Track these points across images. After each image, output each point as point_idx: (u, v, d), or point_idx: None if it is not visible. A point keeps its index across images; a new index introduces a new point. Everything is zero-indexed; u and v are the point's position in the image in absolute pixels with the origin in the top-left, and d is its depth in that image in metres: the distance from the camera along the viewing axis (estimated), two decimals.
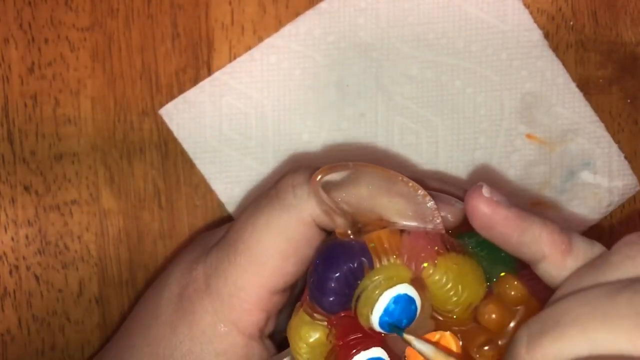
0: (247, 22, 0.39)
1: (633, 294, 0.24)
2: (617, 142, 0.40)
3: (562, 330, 0.24)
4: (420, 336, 0.30)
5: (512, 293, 0.31)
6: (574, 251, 0.28)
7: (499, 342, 0.30)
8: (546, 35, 0.39)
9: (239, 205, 0.40)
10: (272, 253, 0.32)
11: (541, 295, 0.30)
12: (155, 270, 0.40)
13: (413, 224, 0.31)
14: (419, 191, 0.31)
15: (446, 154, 0.39)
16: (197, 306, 0.33)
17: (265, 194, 0.34)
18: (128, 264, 0.40)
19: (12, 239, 0.39)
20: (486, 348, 0.30)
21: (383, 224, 0.31)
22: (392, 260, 0.30)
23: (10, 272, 0.39)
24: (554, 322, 0.25)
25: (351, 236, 0.31)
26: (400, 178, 0.31)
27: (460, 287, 0.30)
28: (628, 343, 0.23)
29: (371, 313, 0.29)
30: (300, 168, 0.33)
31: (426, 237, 0.31)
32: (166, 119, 0.39)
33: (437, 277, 0.30)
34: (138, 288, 0.40)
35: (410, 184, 0.31)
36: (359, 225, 0.31)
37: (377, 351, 0.30)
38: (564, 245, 0.28)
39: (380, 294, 0.29)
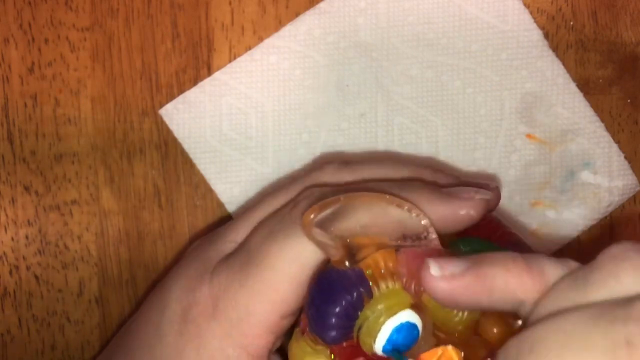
0: (247, 22, 0.39)
1: (609, 324, 0.22)
2: (617, 142, 0.40)
3: (536, 359, 0.24)
4: (422, 353, 0.30)
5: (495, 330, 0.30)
6: (549, 283, 0.26)
7: None
8: (546, 35, 0.39)
9: (239, 205, 0.40)
10: (285, 279, 0.32)
11: None
12: (155, 271, 0.40)
13: (407, 244, 0.31)
14: (413, 212, 0.30)
15: (446, 154, 0.39)
16: (204, 330, 0.33)
17: (279, 215, 0.33)
18: (128, 264, 0.40)
19: (12, 239, 0.39)
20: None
21: (378, 246, 0.31)
22: (390, 286, 0.30)
23: (10, 272, 0.39)
24: (529, 349, 0.24)
25: (347, 264, 0.30)
26: (394, 203, 0.30)
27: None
28: None
29: (374, 342, 0.29)
30: (315, 190, 0.33)
31: (423, 255, 0.30)
32: (166, 119, 0.39)
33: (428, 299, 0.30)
34: (138, 288, 0.40)
35: (405, 207, 0.30)
36: (353, 251, 0.31)
37: None
38: (537, 284, 0.26)
39: (383, 324, 0.29)
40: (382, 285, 0.30)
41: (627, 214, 0.40)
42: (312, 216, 0.30)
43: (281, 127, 0.39)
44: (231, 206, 0.40)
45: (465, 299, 0.27)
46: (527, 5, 0.39)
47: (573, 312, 0.24)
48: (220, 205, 0.40)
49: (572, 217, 0.40)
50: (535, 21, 0.39)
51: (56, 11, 0.39)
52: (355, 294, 0.30)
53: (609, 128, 0.40)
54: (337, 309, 0.30)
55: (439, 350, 0.30)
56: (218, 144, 0.39)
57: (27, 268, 0.39)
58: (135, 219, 0.40)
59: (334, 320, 0.30)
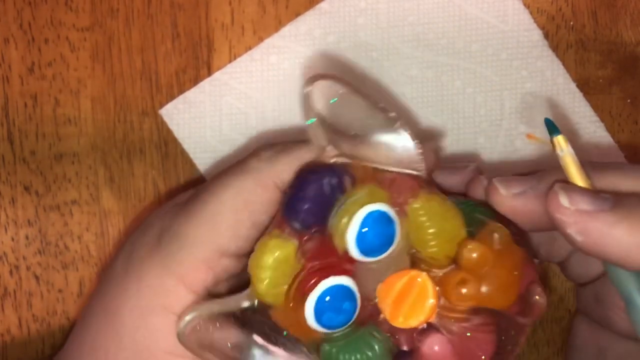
0: (247, 22, 0.39)
1: None
2: (617, 142, 0.40)
3: None
4: (394, 272, 0.30)
5: (496, 235, 0.30)
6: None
7: (481, 288, 0.30)
8: (546, 35, 0.39)
9: None
10: (227, 211, 0.32)
11: (521, 243, 0.31)
12: None
13: (397, 169, 0.31)
14: (382, 108, 0.31)
15: (446, 154, 0.39)
16: (146, 263, 0.33)
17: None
18: None
19: (12, 239, 0.39)
20: (464, 290, 0.30)
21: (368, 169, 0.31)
22: (374, 187, 0.30)
23: (10, 272, 0.39)
24: None
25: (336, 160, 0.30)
26: (384, 110, 0.31)
27: (440, 223, 0.30)
28: None
29: (348, 228, 0.29)
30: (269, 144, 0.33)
31: (410, 177, 0.31)
32: (166, 119, 0.39)
33: (417, 206, 0.30)
34: None
35: (391, 115, 0.31)
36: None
37: (346, 280, 0.29)
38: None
39: (359, 208, 0.29)
40: (367, 185, 0.30)
41: None
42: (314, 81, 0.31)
43: (281, 127, 0.39)
44: None
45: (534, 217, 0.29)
46: (527, 5, 0.39)
47: None
48: None
49: None
50: (535, 21, 0.39)
51: (56, 11, 0.39)
52: (336, 178, 0.30)
53: (609, 128, 0.40)
54: (317, 182, 0.30)
55: (411, 273, 0.30)
56: (218, 144, 0.39)
57: (27, 268, 0.39)
58: (135, 218, 0.40)
59: (311, 192, 0.29)
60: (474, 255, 0.30)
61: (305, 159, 0.32)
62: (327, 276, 0.29)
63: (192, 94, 0.39)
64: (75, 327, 0.36)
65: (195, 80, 0.39)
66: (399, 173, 0.31)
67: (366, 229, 0.29)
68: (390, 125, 0.31)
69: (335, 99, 0.30)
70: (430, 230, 0.30)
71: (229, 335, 0.32)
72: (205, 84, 0.39)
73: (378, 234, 0.29)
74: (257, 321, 0.31)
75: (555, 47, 0.39)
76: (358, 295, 0.30)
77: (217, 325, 0.32)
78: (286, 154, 0.32)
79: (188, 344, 0.31)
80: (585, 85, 0.40)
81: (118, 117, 0.39)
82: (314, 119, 0.31)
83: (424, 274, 0.30)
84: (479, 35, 0.39)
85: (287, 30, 0.39)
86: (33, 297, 0.39)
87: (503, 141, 0.40)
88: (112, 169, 0.39)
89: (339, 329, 0.30)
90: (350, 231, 0.29)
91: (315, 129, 0.31)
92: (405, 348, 0.31)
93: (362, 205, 0.29)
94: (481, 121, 0.39)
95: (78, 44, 0.39)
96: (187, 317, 0.31)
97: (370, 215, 0.29)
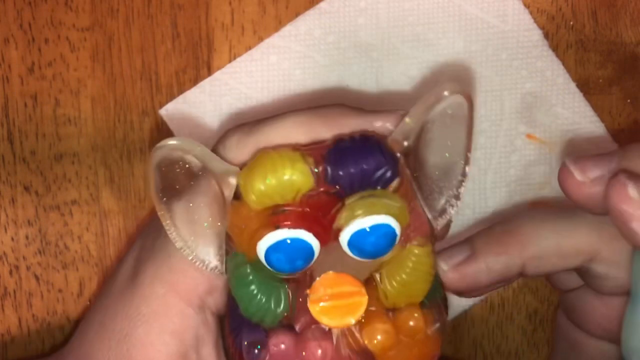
0: (247, 22, 0.39)
1: None
2: (617, 142, 0.40)
3: None
4: (351, 274, 0.29)
5: (411, 324, 0.31)
6: None
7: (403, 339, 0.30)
8: (546, 35, 0.39)
9: None
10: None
11: (440, 330, 0.31)
12: None
13: (425, 209, 0.31)
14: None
15: None
16: (142, 269, 0.32)
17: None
18: None
19: (12, 239, 0.39)
20: (375, 341, 0.30)
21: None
22: (405, 207, 0.29)
23: (10, 272, 0.39)
24: None
25: (400, 156, 0.30)
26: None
27: (416, 277, 0.30)
28: None
29: (359, 219, 0.28)
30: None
31: (428, 224, 0.31)
32: (166, 119, 0.39)
33: (417, 251, 0.30)
34: None
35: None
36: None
37: (316, 245, 0.29)
38: None
39: (382, 212, 0.28)
40: (400, 199, 0.29)
41: None
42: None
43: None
44: None
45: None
46: (527, 5, 0.39)
47: None
48: None
49: None
50: (535, 21, 0.39)
51: (56, 11, 0.39)
52: (390, 173, 0.29)
53: (609, 128, 0.40)
54: (372, 162, 0.29)
55: (362, 289, 0.29)
56: None
57: (27, 268, 0.39)
58: (135, 219, 0.40)
59: (360, 165, 0.29)
60: (378, 337, 0.30)
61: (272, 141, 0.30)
62: (305, 228, 0.28)
63: (192, 94, 0.39)
64: (74, 334, 0.36)
65: (195, 80, 0.39)
66: (424, 212, 0.31)
67: (370, 232, 0.29)
68: (453, 190, 0.31)
69: (448, 112, 0.30)
70: (404, 276, 0.30)
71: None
72: (205, 84, 0.39)
73: (374, 244, 0.29)
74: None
75: (555, 47, 0.39)
76: (313, 264, 0.29)
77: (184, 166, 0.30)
78: (253, 135, 0.31)
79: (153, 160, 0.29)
80: (585, 85, 0.40)
81: (118, 117, 0.39)
82: (411, 120, 0.30)
83: (366, 299, 0.30)
84: (479, 35, 0.39)
85: (287, 30, 0.39)
86: (33, 297, 0.39)
87: (503, 141, 0.40)
88: (112, 169, 0.39)
89: (275, 272, 0.29)
90: (358, 222, 0.28)
91: (408, 125, 0.30)
92: (296, 327, 0.30)
93: (386, 213, 0.29)
94: (481, 121, 0.39)
95: (78, 44, 0.39)
96: (171, 142, 0.29)
97: (383, 226, 0.29)
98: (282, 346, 0.30)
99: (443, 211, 0.31)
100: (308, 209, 0.29)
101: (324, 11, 0.39)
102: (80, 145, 0.39)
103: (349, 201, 0.29)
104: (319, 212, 0.29)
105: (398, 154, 0.30)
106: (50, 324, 0.40)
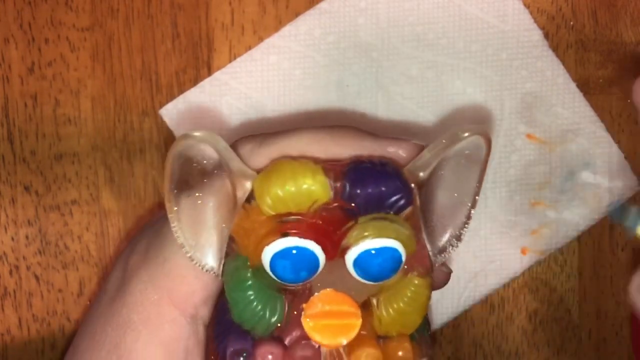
0: (247, 22, 0.39)
1: None
2: (617, 142, 0.40)
3: None
4: (350, 295, 0.29)
5: (400, 354, 0.31)
6: None
7: None
8: (546, 35, 0.39)
9: None
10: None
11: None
12: None
13: (428, 245, 0.32)
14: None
15: None
16: (134, 275, 0.32)
17: None
18: None
19: (12, 239, 0.39)
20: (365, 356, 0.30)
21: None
22: (412, 235, 0.30)
23: (10, 272, 0.39)
24: None
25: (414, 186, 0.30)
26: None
27: (412, 308, 0.31)
28: None
29: (368, 239, 0.28)
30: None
31: (430, 257, 0.31)
32: (166, 119, 0.39)
33: (416, 282, 0.30)
34: None
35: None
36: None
37: (322, 258, 0.29)
38: None
39: (392, 236, 0.29)
40: (409, 226, 0.30)
41: None
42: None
43: (281, 128, 0.39)
44: None
45: None
46: (527, 5, 0.39)
47: None
48: None
49: (572, 217, 0.40)
50: (535, 21, 0.39)
51: (56, 11, 0.39)
52: (404, 201, 0.29)
53: (609, 128, 0.40)
54: (390, 186, 0.29)
55: (358, 312, 0.29)
56: None
57: (27, 268, 0.39)
58: (135, 219, 0.40)
59: (379, 187, 0.29)
60: (400, 353, 0.31)
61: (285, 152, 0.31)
62: (314, 239, 0.28)
63: (192, 94, 0.39)
64: (73, 340, 0.36)
65: (195, 80, 0.39)
66: (426, 246, 0.31)
67: (377, 254, 0.29)
68: (456, 230, 0.32)
69: (466, 152, 0.30)
70: (401, 304, 0.30)
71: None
72: (205, 84, 0.39)
73: (379, 267, 0.29)
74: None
75: (555, 47, 0.39)
76: (313, 279, 0.29)
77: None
78: (266, 146, 0.31)
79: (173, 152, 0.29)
80: (585, 85, 0.40)
81: (118, 117, 0.39)
82: (429, 154, 0.30)
83: (360, 322, 0.30)
84: (479, 35, 0.39)
85: (287, 30, 0.39)
86: (33, 297, 0.39)
87: (503, 141, 0.40)
88: (112, 169, 0.39)
89: (275, 280, 0.29)
90: (367, 242, 0.29)
91: (426, 158, 0.30)
92: (285, 341, 0.30)
93: (395, 237, 0.29)
94: (481, 121, 0.39)
95: (78, 44, 0.39)
96: (197, 134, 0.29)
97: (390, 250, 0.29)
98: (270, 357, 0.30)
99: (443, 249, 0.32)
100: (320, 222, 0.29)
101: (324, 11, 0.39)
102: (80, 145, 0.39)
103: (361, 220, 0.29)
104: (330, 227, 0.29)
105: (412, 185, 0.30)
106: (50, 324, 0.40)
